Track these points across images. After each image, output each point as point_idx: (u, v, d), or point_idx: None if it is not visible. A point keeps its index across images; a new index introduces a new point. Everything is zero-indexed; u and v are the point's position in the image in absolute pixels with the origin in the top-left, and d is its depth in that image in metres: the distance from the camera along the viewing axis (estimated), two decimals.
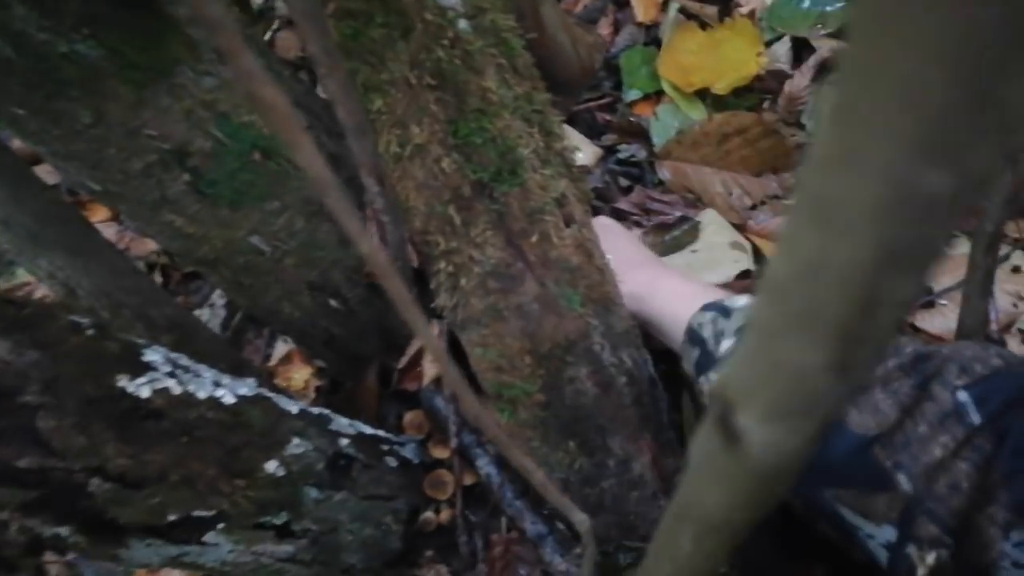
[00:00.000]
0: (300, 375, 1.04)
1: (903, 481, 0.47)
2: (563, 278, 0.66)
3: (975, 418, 0.45)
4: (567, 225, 0.66)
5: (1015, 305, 0.84)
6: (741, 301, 0.63)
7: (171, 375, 0.64)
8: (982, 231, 0.59)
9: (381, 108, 0.63)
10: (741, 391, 0.15)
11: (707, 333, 0.62)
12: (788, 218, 0.12)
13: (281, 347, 1.08)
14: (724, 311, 0.62)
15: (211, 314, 1.10)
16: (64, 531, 0.60)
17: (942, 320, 0.84)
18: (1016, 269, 0.88)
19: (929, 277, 0.11)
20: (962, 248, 0.90)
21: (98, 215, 1.30)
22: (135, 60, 0.58)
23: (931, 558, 0.46)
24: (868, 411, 0.49)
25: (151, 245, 1.25)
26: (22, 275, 1.20)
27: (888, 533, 0.48)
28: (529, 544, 0.75)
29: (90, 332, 0.61)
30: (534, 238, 0.65)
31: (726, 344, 0.60)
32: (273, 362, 1.06)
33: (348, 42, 0.61)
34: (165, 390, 0.63)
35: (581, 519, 0.39)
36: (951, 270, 0.87)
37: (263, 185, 0.66)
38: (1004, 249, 0.89)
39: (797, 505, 0.58)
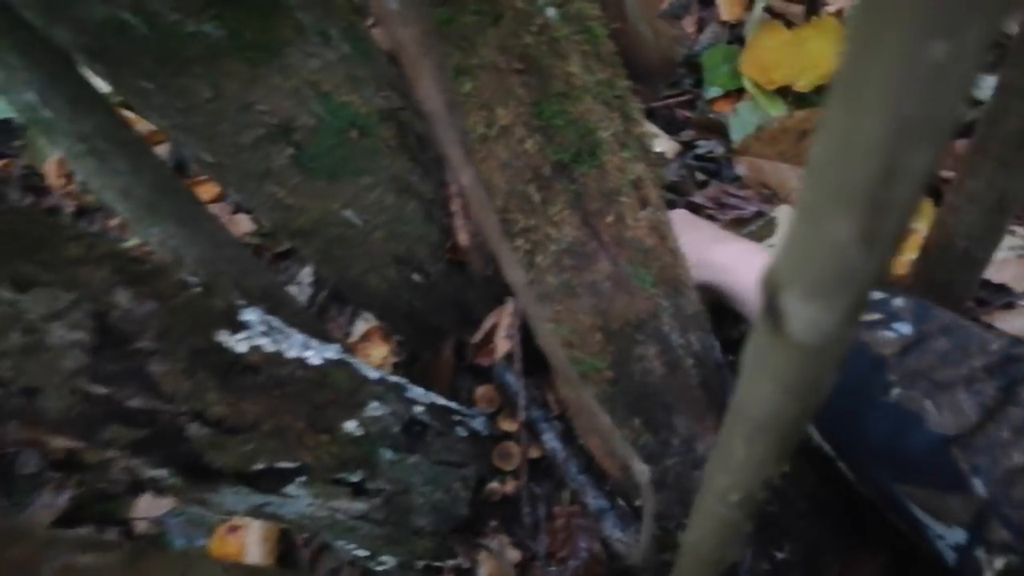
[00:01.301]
0: (378, 352, 1.09)
1: (978, 485, 0.46)
2: (636, 258, 0.68)
3: None
4: (642, 207, 0.69)
5: None
6: None
7: (265, 334, 0.70)
8: None
9: (471, 91, 0.67)
10: (786, 274, 0.18)
11: None
12: (826, 104, 0.15)
13: (361, 326, 1.13)
14: None
15: (298, 291, 1.17)
16: (163, 473, 0.65)
17: (1022, 322, 0.82)
18: None
19: (943, 149, 0.14)
20: None
21: (202, 195, 1.40)
22: (252, 40, 0.64)
23: (1000, 563, 0.45)
24: (949, 410, 0.49)
25: (244, 227, 1.33)
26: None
27: (958, 535, 0.48)
28: (591, 517, 0.77)
29: (198, 289, 0.67)
30: (609, 218, 0.67)
31: None
32: (353, 339, 1.12)
33: (442, 27, 0.65)
34: (260, 347, 0.68)
35: (642, 469, 0.42)
36: None
37: (358, 161, 0.70)
38: None
39: (869, 495, 0.58)
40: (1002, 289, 0.85)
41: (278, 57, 0.65)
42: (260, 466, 0.69)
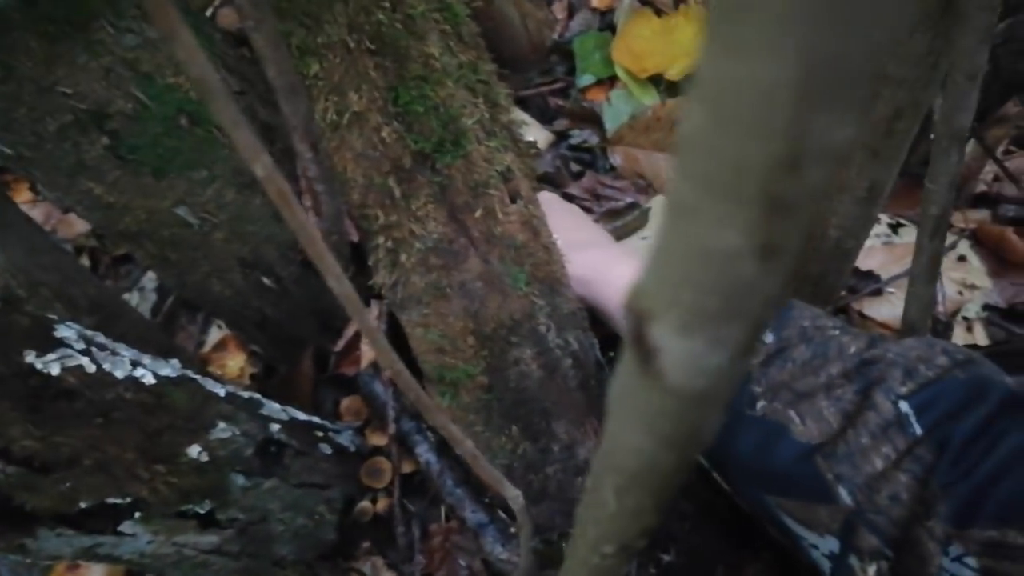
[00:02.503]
0: (235, 362, 1.00)
1: (844, 494, 0.46)
2: (508, 255, 0.63)
3: (917, 429, 0.45)
4: (513, 200, 0.64)
5: (960, 293, 0.85)
6: None
7: (85, 352, 0.60)
8: (928, 215, 0.59)
9: (317, 73, 0.59)
10: (655, 297, 0.13)
11: None
12: (700, 56, 0.10)
13: (215, 333, 1.03)
14: None
15: (140, 298, 1.05)
16: None
17: (889, 308, 0.84)
18: (962, 258, 0.88)
19: (860, 125, 0.09)
20: (909, 237, 0.90)
21: (22, 195, 1.24)
22: (48, 12, 0.54)
23: (872, 570, 0.46)
24: (812, 419, 0.49)
25: (79, 227, 1.19)
26: None
27: (831, 544, 0.48)
28: (469, 533, 0.72)
29: None
30: (478, 213, 0.62)
31: None
32: (206, 349, 1.01)
33: (282, 2, 0.58)
34: (78, 368, 0.59)
35: (514, 495, 0.37)
36: (898, 259, 0.88)
37: (190, 152, 0.62)
38: (950, 239, 0.90)
39: (745, 506, 0.57)
40: (870, 276, 0.86)
41: (84, 32, 0.55)
42: (85, 504, 0.60)
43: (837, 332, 0.53)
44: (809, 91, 0.09)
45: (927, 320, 0.63)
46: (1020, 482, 0.40)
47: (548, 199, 0.73)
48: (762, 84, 0.09)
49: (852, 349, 0.51)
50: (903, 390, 0.46)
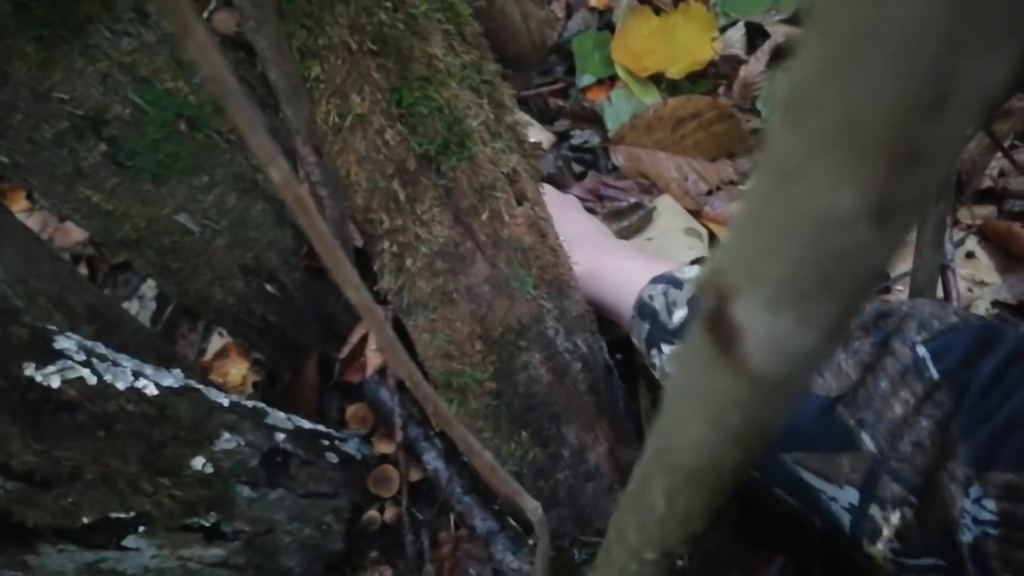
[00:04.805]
0: (237, 370, 0.98)
1: (867, 440, 0.46)
2: (515, 258, 0.62)
3: (934, 372, 0.45)
4: (519, 203, 0.63)
5: (970, 290, 0.84)
6: (692, 271, 0.61)
7: (86, 364, 0.59)
8: None
9: (319, 75, 0.58)
10: (739, 272, 0.12)
11: (658, 304, 0.59)
12: None
13: (216, 341, 1.02)
14: (675, 282, 0.60)
15: (140, 306, 1.04)
16: None
17: None
18: (970, 255, 0.87)
19: (1013, 68, 0.08)
20: (914, 237, 0.89)
21: (19, 204, 1.22)
22: (42, 16, 0.53)
23: (895, 518, 0.45)
24: (830, 372, 0.48)
25: (77, 236, 1.17)
26: None
27: (851, 495, 0.47)
28: (479, 541, 0.71)
29: None
30: (484, 216, 0.61)
31: (679, 314, 0.58)
32: (208, 357, 1.00)
33: (283, 3, 0.57)
34: (79, 380, 0.58)
35: (533, 507, 0.36)
36: (904, 257, 0.87)
37: (190, 158, 0.61)
38: (958, 235, 0.89)
39: (758, 473, 0.56)
40: None
41: (80, 36, 0.54)
42: (88, 519, 0.59)
43: None
44: (961, 28, 0.07)
45: (935, 286, 0.62)
46: None
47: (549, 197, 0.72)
48: (904, 20, 0.08)
49: (867, 306, 0.51)
50: (919, 338, 0.47)
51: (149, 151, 0.59)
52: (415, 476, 0.75)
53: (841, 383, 0.48)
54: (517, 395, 0.64)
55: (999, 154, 0.88)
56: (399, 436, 0.73)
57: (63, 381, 0.57)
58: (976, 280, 0.84)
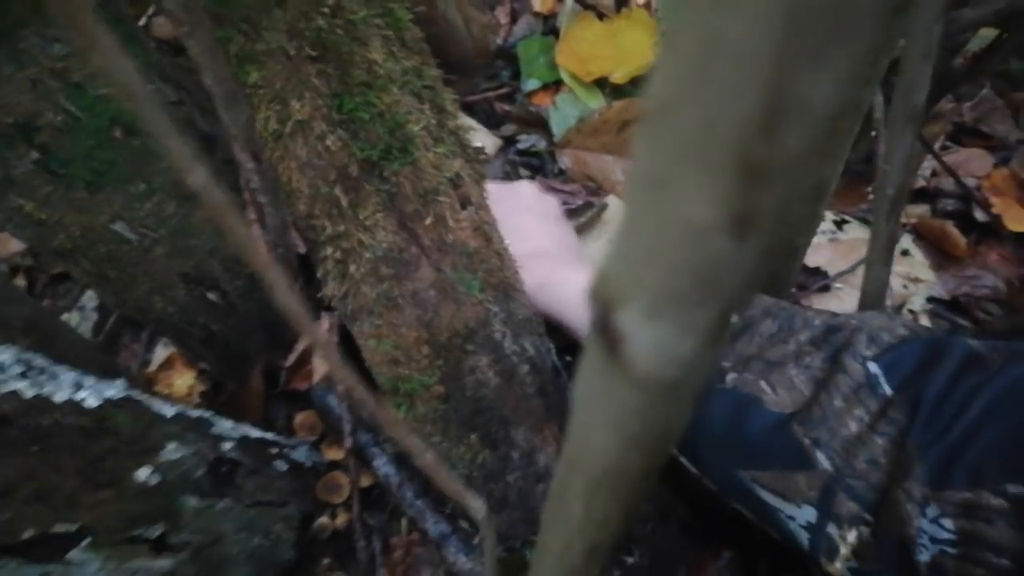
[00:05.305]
0: (183, 380, 0.96)
1: (822, 459, 0.46)
2: (460, 263, 0.63)
3: (887, 389, 0.45)
4: (463, 207, 0.63)
5: (905, 287, 0.87)
6: None
7: (23, 376, 0.57)
8: (883, 196, 0.59)
9: (258, 81, 0.58)
10: (621, 281, 0.12)
11: None
12: (669, 9, 0.09)
13: (161, 351, 1.00)
14: None
15: (81, 317, 1.01)
16: None
17: (838, 303, 0.86)
18: (905, 252, 0.90)
19: (844, 85, 0.09)
20: (853, 233, 0.92)
21: None
22: None
23: (852, 536, 0.45)
24: (783, 388, 0.49)
25: (14, 246, 1.14)
26: None
27: (808, 514, 0.48)
28: (431, 545, 0.71)
29: None
30: (428, 220, 0.61)
31: None
32: (153, 367, 0.98)
33: (219, 7, 0.56)
34: (13, 394, 0.56)
35: (477, 505, 0.36)
36: (844, 254, 0.89)
37: (126, 165, 0.59)
38: None
39: (715, 486, 0.56)
40: (817, 272, 0.88)
41: (8, 41, 0.53)
42: (28, 534, 0.58)
43: (799, 309, 0.54)
44: (788, 45, 0.08)
45: (883, 300, 0.64)
46: (990, 443, 0.40)
47: (496, 195, 0.71)
48: (737, 36, 0.08)
49: (817, 320, 0.52)
50: (869, 352, 0.47)
51: (83, 159, 0.57)
52: (366, 482, 0.75)
53: (795, 399, 0.48)
54: (465, 399, 0.65)
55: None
56: (348, 442, 0.73)
57: None
58: (911, 277, 0.87)
